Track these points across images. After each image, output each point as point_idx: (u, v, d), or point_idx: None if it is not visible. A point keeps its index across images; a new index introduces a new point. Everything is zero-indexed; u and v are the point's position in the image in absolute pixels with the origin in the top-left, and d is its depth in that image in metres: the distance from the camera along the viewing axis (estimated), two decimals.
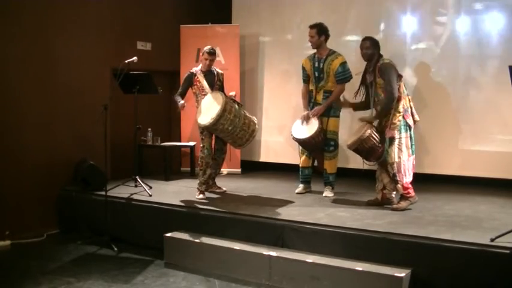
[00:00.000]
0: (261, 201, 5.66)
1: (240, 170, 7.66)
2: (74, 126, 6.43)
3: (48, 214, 6.15)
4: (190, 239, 5.03)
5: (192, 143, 7.28)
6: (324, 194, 5.82)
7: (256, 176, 7.42)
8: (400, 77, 5.04)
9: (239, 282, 4.54)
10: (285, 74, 7.74)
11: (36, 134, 6.06)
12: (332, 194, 5.82)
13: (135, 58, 5.84)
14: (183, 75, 6.08)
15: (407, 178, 5.03)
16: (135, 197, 5.83)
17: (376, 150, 5.06)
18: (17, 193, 5.86)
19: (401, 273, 3.97)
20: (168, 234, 5.14)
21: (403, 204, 5.08)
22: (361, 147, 5.07)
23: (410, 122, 5.03)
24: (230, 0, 8.12)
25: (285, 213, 5.00)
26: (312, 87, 5.86)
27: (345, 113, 6.07)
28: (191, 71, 5.93)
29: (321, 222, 4.65)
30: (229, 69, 7.40)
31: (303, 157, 5.95)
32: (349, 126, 6.75)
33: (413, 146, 5.08)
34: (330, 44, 5.82)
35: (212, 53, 5.84)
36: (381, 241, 4.25)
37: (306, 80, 5.90)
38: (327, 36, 5.74)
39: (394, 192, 5.23)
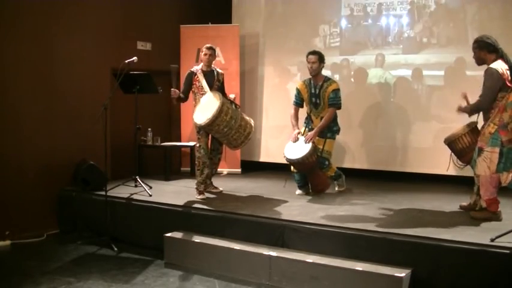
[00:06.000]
0: (261, 201, 5.66)
1: (240, 170, 7.66)
2: (74, 126, 6.42)
3: (48, 214, 6.15)
4: (190, 239, 5.02)
5: (192, 143, 7.27)
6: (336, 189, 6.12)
7: (256, 176, 7.42)
8: (508, 87, 4.50)
9: (239, 282, 4.54)
10: (285, 74, 7.75)
11: (36, 134, 6.05)
12: (343, 188, 6.14)
13: (135, 58, 5.83)
14: (183, 75, 6.09)
15: (490, 195, 4.61)
16: (135, 197, 5.82)
17: (466, 154, 4.92)
18: (17, 193, 5.85)
19: (401, 273, 3.97)
20: (168, 234, 5.14)
21: (481, 214, 4.69)
22: (451, 146, 5.05)
23: (505, 138, 4.50)
24: (230, 0, 8.12)
25: (285, 213, 5.00)
26: (309, 112, 6.01)
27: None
28: (191, 69, 5.95)
29: (321, 222, 4.65)
30: (229, 69, 7.41)
31: None
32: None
33: (502, 165, 4.51)
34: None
35: (210, 47, 5.86)
36: (381, 241, 4.25)
37: (300, 103, 6.02)
38: (324, 63, 5.90)
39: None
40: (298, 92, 6.01)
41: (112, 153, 6.51)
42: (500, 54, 4.60)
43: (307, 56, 5.86)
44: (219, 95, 5.57)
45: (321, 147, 5.79)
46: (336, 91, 5.81)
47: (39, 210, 6.06)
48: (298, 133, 5.84)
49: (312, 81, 5.92)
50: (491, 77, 4.52)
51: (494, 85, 4.50)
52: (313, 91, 5.89)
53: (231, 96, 5.88)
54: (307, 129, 5.96)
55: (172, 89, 5.74)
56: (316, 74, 5.85)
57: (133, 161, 6.41)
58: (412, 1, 6.80)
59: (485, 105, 4.59)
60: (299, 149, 5.65)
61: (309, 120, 6.02)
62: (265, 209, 5.22)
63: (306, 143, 5.69)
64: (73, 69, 6.46)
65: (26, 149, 5.95)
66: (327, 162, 5.86)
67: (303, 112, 6.11)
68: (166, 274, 4.79)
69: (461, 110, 4.81)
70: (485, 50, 4.64)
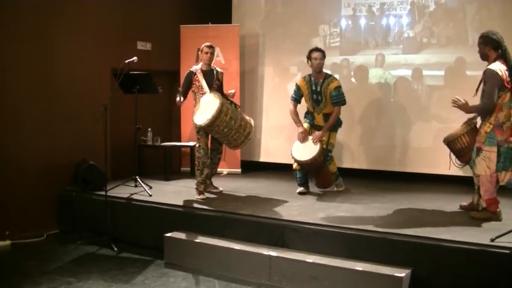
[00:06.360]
0: (261, 201, 5.66)
1: (240, 170, 7.66)
2: (74, 126, 6.42)
3: (48, 214, 6.14)
4: (190, 239, 5.03)
5: (192, 143, 7.27)
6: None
7: (256, 176, 7.42)
8: (505, 87, 4.49)
9: (239, 282, 4.54)
10: (284, 74, 7.75)
11: (36, 134, 6.05)
12: (342, 188, 6.12)
13: (135, 58, 5.83)
14: (183, 75, 6.09)
15: (490, 194, 4.62)
16: (135, 197, 5.82)
17: (465, 154, 4.91)
18: (17, 193, 5.85)
19: (401, 273, 3.97)
20: (168, 234, 5.14)
21: (481, 214, 4.69)
22: (449, 146, 5.04)
23: (501, 138, 4.51)
24: (230, 0, 8.12)
25: (285, 213, 5.00)
26: (310, 109, 6.02)
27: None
28: (191, 69, 5.94)
29: (321, 222, 4.65)
30: (229, 70, 7.41)
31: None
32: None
33: (502, 164, 4.52)
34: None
35: (211, 46, 5.88)
36: (381, 241, 4.26)
37: (298, 99, 6.04)
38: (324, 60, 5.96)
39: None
40: (298, 88, 6.01)
41: (112, 153, 6.52)
42: (501, 54, 4.58)
43: (311, 53, 5.86)
44: (219, 95, 5.56)
45: (325, 139, 5.82)
46: (338, 88, 5.84)
47: (39, 210, 6.06)
48: (304, 132, 5.83)
49: (312, 78, 5.93)
50: (491, 78, 4.49)
51: (495, 87, 4.49)
52: (314, 88, 5.90)
53: (231, 91, 5.87)
54: (310, 127, 5.96)
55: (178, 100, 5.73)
56: (320, 70, 5.88)
57: (134, 161, 6.41)
58: (412, 1, 6.80)
59: (489, 108, 4.55)
60: (308, 150, 5.67)
61: (310, 116, 6.03)
62: (265, 209, 5.22)
63: (313, 142, 5.71)
64: (73, 69, 6.46)
65: (26, 149, 5.95)
66: (330, 154, 5.90)
67: (302, 107, 6.09)
68: (166, 274, 4.79)
69: (458, 105, 4.64)
70: (490, 45, 4.63)
